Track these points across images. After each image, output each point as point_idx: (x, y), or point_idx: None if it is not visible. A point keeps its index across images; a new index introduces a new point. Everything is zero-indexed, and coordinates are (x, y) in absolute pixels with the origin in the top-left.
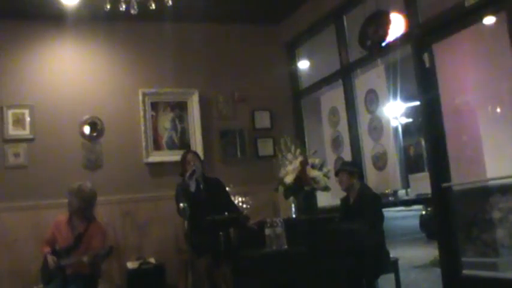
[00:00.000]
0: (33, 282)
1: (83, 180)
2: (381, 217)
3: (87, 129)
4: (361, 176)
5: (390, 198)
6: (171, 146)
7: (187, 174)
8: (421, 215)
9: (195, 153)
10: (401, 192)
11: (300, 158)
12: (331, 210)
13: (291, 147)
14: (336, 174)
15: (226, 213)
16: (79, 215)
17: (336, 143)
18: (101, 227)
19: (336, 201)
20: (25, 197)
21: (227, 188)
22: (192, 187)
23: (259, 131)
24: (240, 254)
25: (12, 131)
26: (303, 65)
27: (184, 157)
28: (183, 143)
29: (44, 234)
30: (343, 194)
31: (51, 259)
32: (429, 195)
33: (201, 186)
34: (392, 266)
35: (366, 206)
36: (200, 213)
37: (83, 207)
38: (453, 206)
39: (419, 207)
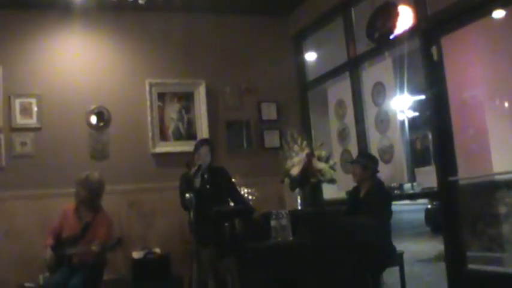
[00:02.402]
0: (40, 271)
1: (89, 169)
2: (390, 213)
3: (93, 119)
4: (375, 170)
5: (396, 192)
6: (178, 137)
7: (193, 170)
8: (427, 209)
9: (210, 146)
10: (407, 186)
11: (306, 150)
12: (336, 202)
13: (298, 139)
14: (351, 163)
15: (231, 203)
16: (86, 205)
17: (343, 135)
18: (107, 217)
19: (342, 194)
20: (32, 186)
21: (233, 179)
22: (197, 183)
23: (265, 123)
24: (245, 245)
25: (19, 120)
26: (310, 57)
27: (197, 148)
28: (190, 134)
29: (51, 223)
30: (349, 186)
31: (49, 256)
32: (435, 189)
33: (205, 176)
34: (397, 260)
35: (377, 202)
36: (204, 205)
37: (90, 197)
38: (459, 200)
39: (425, 201)
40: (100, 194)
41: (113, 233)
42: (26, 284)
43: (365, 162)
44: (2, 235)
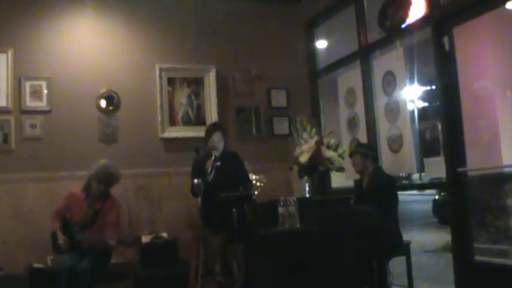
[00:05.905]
0: (48, 252)
1: (97, 152)
2: (395, 200)
3: (103, 103)
4: (375, 158)
5: (404, 182)
6: (187, 122)
7: (209, 166)
8: (434, 200)
9: (222, 131)
10: (416, 176)
11: (316, 138)
12: (344, 191)
13: (307, 126)
14: (350, 155)
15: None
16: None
17: (352, 124)
18: (115, 202)
19: (350, 183)
20: (41, 168)
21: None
22: (210, 177)
23: (275, 110)
24: (253, 231)
25: (29, 103)
26: (321, 44)
27: (209, 135)
28: (199, 119)
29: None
30: (358, 175)
31: (62, 239)
32: (444, 180)
33: (218, 164)
34: (404, 249)
35: (379, 189)
36: (215, 193)
37: (104, 190)
38: (468, 191)
39: (433, 191)
40: (113, 185)
41: (120, 217)
42: (35, 265)
43: (364, 151)
44: (11, 216)
